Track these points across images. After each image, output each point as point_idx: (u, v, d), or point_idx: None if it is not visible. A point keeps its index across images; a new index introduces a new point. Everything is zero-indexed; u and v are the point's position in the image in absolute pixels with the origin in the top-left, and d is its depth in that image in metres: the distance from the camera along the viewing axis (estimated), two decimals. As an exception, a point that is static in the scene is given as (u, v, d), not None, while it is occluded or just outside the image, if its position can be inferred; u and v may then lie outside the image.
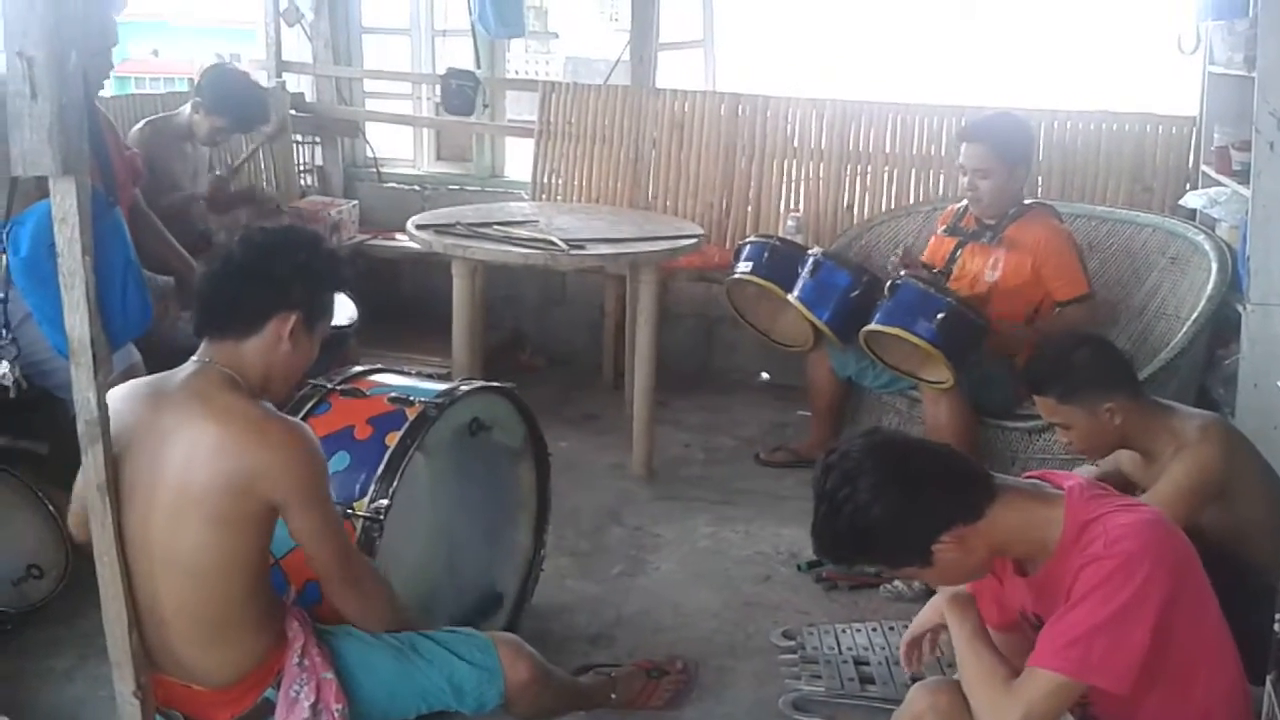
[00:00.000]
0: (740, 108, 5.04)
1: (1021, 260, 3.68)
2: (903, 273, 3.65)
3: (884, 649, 2.95)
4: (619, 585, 3.32)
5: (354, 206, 5.40)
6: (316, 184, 5.75)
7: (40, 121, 1.73)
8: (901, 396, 3.88)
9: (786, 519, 3.68)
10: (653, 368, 4.02)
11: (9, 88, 1.74)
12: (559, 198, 5.31)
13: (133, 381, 2.10)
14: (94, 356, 1.85)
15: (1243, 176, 3.63)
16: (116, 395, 1.98)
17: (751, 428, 4.62)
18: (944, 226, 3.94)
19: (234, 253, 2.05)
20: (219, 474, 1.92)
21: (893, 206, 4.79)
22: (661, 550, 3.55)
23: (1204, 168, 4.23)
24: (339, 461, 2.41)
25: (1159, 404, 2.63)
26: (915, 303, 3.49)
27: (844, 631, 3.04)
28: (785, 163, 5.00)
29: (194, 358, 2.05)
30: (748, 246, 3.97)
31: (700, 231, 4.33)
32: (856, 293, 3.71)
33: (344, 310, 3.97)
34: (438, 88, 5.50)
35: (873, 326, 3.56)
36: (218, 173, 4.47)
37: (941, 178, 4.74)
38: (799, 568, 3.41)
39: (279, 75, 5.50)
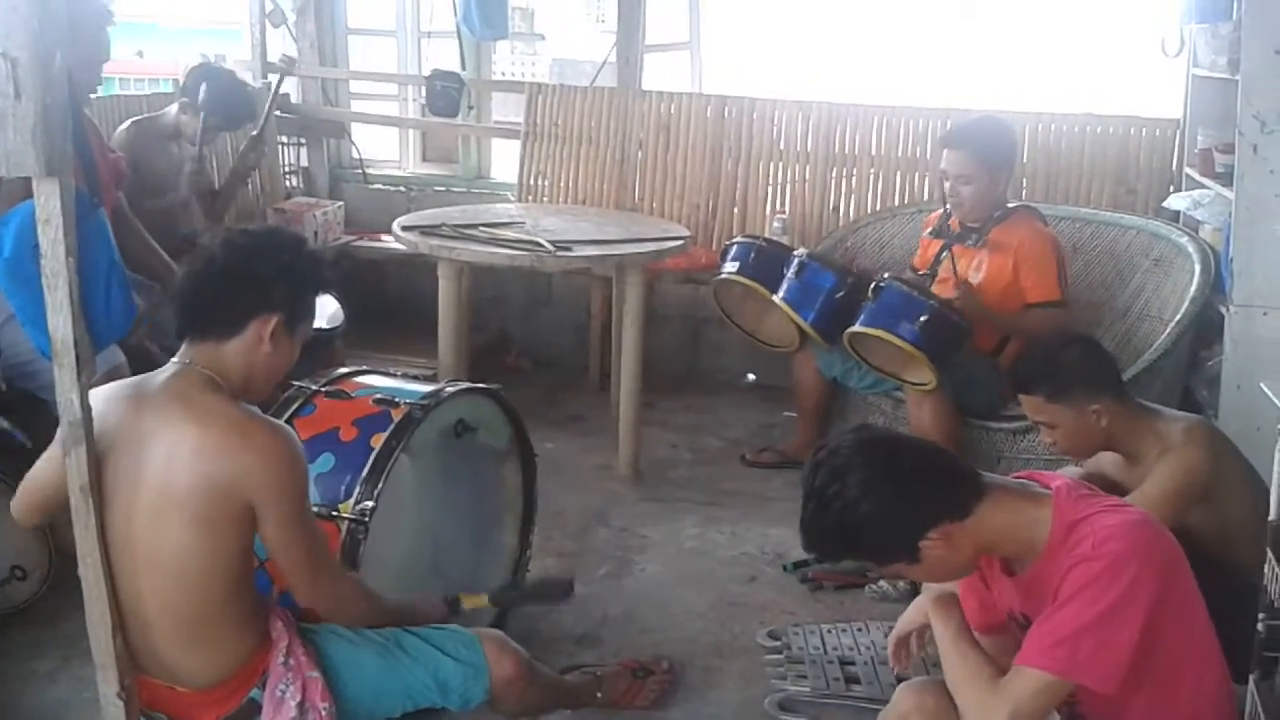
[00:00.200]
0: (726, 110, 5.04)
1: (1004, 263, 3.69)
2: (886, 275, 3.66)
3: (869, 649, 2.96)
4: (605, 586, 3.32)
5: (339, 208, 5.40)
6: (302, 185, 5.74)
7: (24, 122, 1.72)
8: (886, 397, 3.89)
9: (773, 520, 3.69)
10: (639, 369, 4.02)
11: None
12: (545, 199, 5.30)
13: (114, 383, 2.08)
14: (77, 358, 1.84)
15: (1226, 179, 3.65)
16: (98, 396, 1.96)
17: (738, 429, 4.62)
18: (929, 229, 3.95)
19: (216, 254, 2.04)
20: (200, 475, 1.91)
21: (878, 208, 4.80)
22: (648, 551, 3.55)
23: (1187, 170, 4.25)
24: (324, 463, 2.41)
25: (1144, 406, 2.64)
26: (899, 305, 3.50)
27: (829, 632, 3.05)
28: (771, 164, 5.01)
29: (175, 359, 2.04)
30: (734, 247, 3.97)
31: (686, 233, 4.33)
32: (841, 294, 3.71)
33: (329, 312, 3.97)
34: (423, 89, 5.49)
35: (856, 328, 3.57)
36: (208, 180, 4.42)
37: (926, 180, 4.76)
38: (785, 568, 3.41)
39: (264, 76, 5.47)
